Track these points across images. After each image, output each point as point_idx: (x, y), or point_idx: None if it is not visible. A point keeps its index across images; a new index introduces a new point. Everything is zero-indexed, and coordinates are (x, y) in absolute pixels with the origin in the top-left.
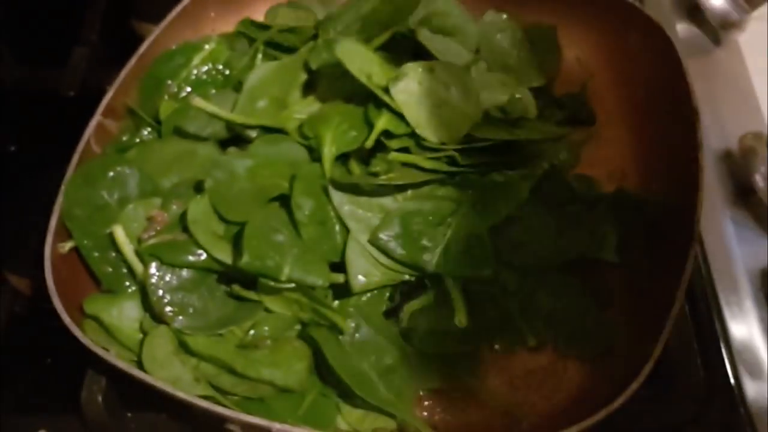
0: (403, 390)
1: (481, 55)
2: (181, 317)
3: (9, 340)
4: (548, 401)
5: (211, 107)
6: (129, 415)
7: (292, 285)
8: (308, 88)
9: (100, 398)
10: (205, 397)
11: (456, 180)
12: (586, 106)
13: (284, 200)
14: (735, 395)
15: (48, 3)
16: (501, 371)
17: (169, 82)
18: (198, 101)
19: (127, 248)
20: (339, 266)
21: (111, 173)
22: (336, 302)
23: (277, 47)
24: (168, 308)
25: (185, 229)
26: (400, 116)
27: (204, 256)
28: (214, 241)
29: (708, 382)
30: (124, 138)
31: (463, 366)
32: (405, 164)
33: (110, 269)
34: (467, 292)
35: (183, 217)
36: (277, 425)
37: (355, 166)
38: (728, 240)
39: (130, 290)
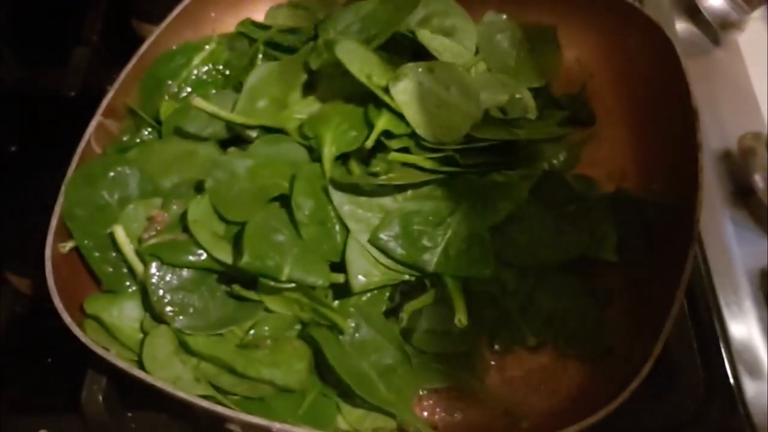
0: (403, 390)
1: (481, 55)
2: (181, 317)
3: (9, 339)
4: (548, 401)
5: (211, 107)
6: (129, 414)
7: (293, 285)
8: (308, 89)
9: (100, 398)
10: (206, 397)
11: (456, 180)
12: (585, 106)
13: (284, 200)
14: (734, 395)
15: (49, 3)
16: (501, 371)
17: (170, 82)
18: (198, 101)
19: (128, 248)
20: (339, 266)
21: (111, 173)
22: (336, 302)
23: (277, 47)
24: (168, 308)
25: (185, 229)
26: (400, 116)
27: (204, 256)
28: (214, 241)
29: (707, 381)
30: (125, 138)
31: (463, 366)
32: (405, 164)
33: (111, 269)
34: (467, 292)
35: (183, 217)
36: (277, 425)
37: (355, 166)
38: (728, 240)
39: (130, 290)
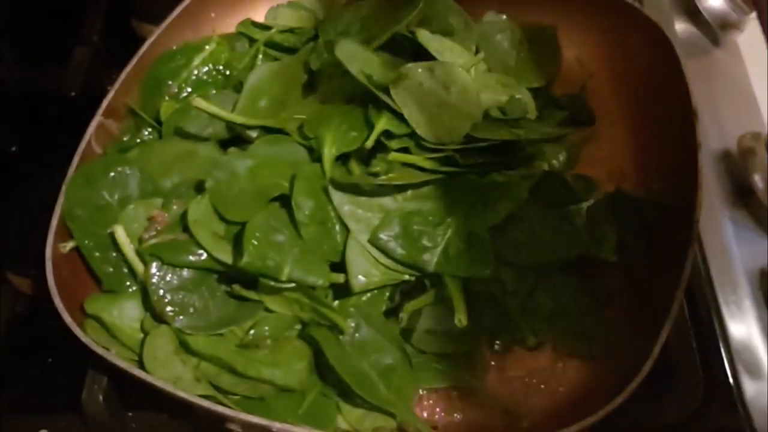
0: (403, 390)
1: (481, 55)
2: (181, 317)
3: (10, 339)
4: (548, 401)
5: (211, 108)
6: (130, 414)
7: (293, 285)
8: (308, 89)
9: (101, 398)
10: (206, 397)
11: (456, 180)
12: (585, 106)
13: (284, 200)
14: (734, 395)
15: (49, 4)
16: (501, 371)
17: (170, 82)
18: (199, 102)
19: (128, 248)
20: (339, 266)
21: (112, 173)
22: (336, 302)
23: (277, 48)
24: (169, 308)
25: (186, 229)
26: (400, 116)
27: (204, 256)
28: (214, 241)
29: (707, 381)
30: (125, 138)
31: (463, 366)
32: (405, 164)
33: (111, 269)
34: (467, 292)
35: (184, 217)
36: (277, 425)
37: (355, 166)
38: (727, 240)
39: (130, 290)
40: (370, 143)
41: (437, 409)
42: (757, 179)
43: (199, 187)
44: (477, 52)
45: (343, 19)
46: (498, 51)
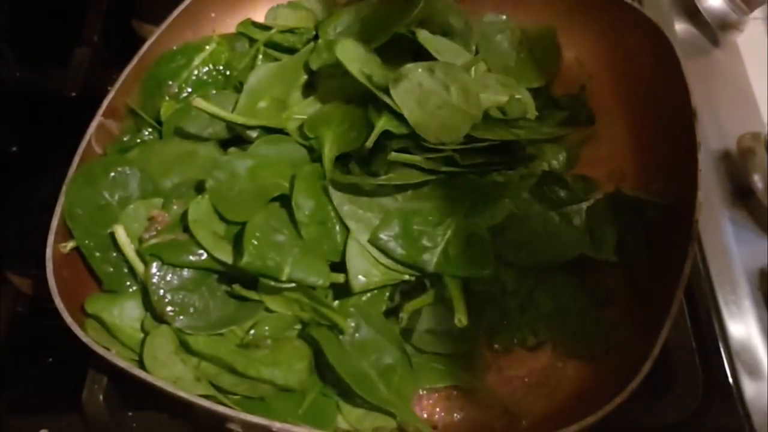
0: (402, 389)
1: (481, 55)
2: (182, 317)
3: (10, 339)
4: (548, 400)
5: (211, 108)
6: (130, 414)
7: (293, 285)
8: (308, 89)
9: (101, 397)
10: (206, 397)
11: (456, 180)
12: (585, 106)
13: (285, 200)
14: (733, 394)
15: (49, 4)
16: (501, 371)
17: (170, 82)
18: (199, 102)
19: (129, 248)
20: (339, 266)
21: (112, 173)
22: (336, 302)
23: (277, 48)
24: (169, 308)
25: (186, 229)
26: (400, 116)
27: (205, 256)
28: (214, 241)
29: (706, 381)
30: (126, 138)
31: (463, 366)
32: (405, 164)
33: (111, 269)
34: (467, 292)
35: (184, 217)
36: (277, 424)
37: (355, 166)
38: (727, 240)
39: (131, 290)
40: (370, 143)
41: (437, 409)
42: (757, 179)
43: (200, 187)
44: (477, 52)
45: (343, 19)
46: (498, 51)
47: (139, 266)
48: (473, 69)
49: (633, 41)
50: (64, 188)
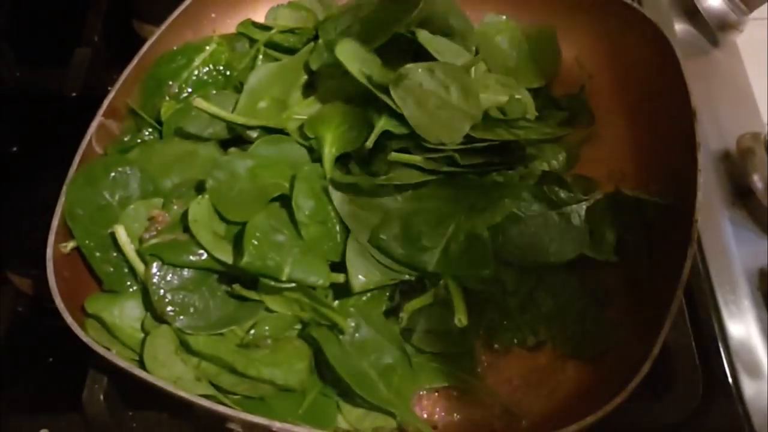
0: (402, 389)
1: (481, 55)
2: (182, 317)
3: (11, 339)
4: (547, 400)
5: (212, 108)
6: (130, 414)
7: (293, 285)
8: (309, 89)
9: (101, 397)
10: (206, 397)
11: (456, 180)
12: (585, 106)
13: (285, 200)
14: (733, 394)
15: (50, 4)
16: (501, 371)
17: (171, 82)
18: (199, 102)
19: (129, 248)
20: (339, 266)
21: (112, 173)
22: (336, 302)
23: (277, 48)
24: (169, 308)
25: (186, 229)
26: (400, 116)
27: (205, 256)
28: (215, 241)
29: (706, 381)
30: (126, 138)
31: (463, 366)
32: (405, 164)
33: (112, 269)
34: (467, 292)
35: (184, 217)
36: (277, 424)
37: (355, 166)
38: (726, 240)
39: (131, 290)
40: (370, 143)
41: (437, 409)
42: (756, 179)
43: (200, 187)
44: (477, 52)
45: (343, 19)
46: (498, 51)
47: (140, 266)
48: (473, 69)
49: (633, 41)
50: (64, 188)
